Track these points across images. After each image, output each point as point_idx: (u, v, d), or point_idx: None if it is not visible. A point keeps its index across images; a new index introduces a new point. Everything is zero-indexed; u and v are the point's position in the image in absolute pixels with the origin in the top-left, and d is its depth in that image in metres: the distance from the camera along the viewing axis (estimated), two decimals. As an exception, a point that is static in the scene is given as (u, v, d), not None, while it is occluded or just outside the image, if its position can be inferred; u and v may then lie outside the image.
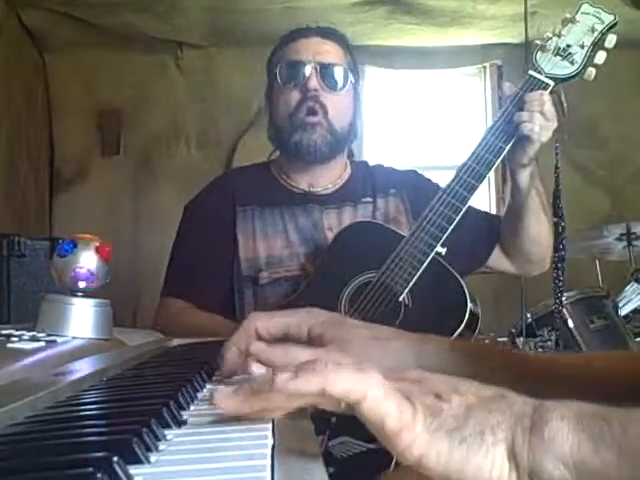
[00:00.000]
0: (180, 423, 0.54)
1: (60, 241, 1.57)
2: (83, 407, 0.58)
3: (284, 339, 0.79)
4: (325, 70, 1.72)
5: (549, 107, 1.53)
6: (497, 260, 1.83)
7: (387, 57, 4.16)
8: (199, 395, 0.65)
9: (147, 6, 3.50)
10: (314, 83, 1.71)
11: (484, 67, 4.31)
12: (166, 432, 0.49)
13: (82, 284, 1.01)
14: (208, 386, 0.74)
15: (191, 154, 4.10)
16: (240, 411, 0.53)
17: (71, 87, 4.06)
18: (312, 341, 0.77)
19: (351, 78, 1.78)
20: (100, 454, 0.38)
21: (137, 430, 0.44)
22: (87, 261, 1.01)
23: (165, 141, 4.10)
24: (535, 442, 0.47)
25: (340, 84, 1.74)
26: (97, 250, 1.02)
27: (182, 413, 0.56)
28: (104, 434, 0.45)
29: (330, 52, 1.76)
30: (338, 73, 1.74)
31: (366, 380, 0.48)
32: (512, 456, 0.47)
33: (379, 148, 4.23)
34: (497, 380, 0.52)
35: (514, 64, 3.77)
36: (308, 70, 1.71)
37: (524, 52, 2.85)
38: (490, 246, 1.81)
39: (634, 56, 3.96)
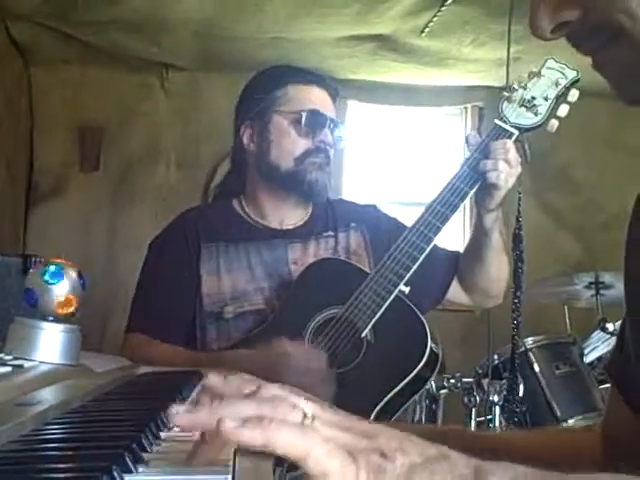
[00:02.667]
0: (142, 464, 0.54)
1: (33, 260, 1.57)
2: (45, 445, 0.58)
3: None
4: (334, 128, 1.80)
5: (513, 154, 1.60)
6: (454, 294, 1.88)
7: (370, 92, 4.21)
8: (162, 435, 0.66)
9: (137, 27, 3.52)
10: (330, 140, 1.78)
11: (466, 108, 4.38)
12: (127, 477, 0.50)
13: (66, 310, 1.01)
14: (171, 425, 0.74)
15: (170, 175, 4.11)
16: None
17: (54, 101, 4.06)
18: None
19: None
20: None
21: (98, 477, 0.44)
22: (61, 288, 1.02)
23: (145, 161, 4.11)
24: None
25: (339, 144, 1.84)
26: (73, 277, 1.03)
27: (144, 455, 0.56)
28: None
29: (333, 110, 1.83)
30: (340, 132, 1.83)
31: (309, 438, 0.49)
32: None
33: (359, 182, 4.27)
34: None
35: (495, 106, 3.81)
36: (326, 124, 1.77)
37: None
38: (449, 281, 1.86)
39: (608, 105, 4.04)
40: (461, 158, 4.38)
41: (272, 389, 0.58)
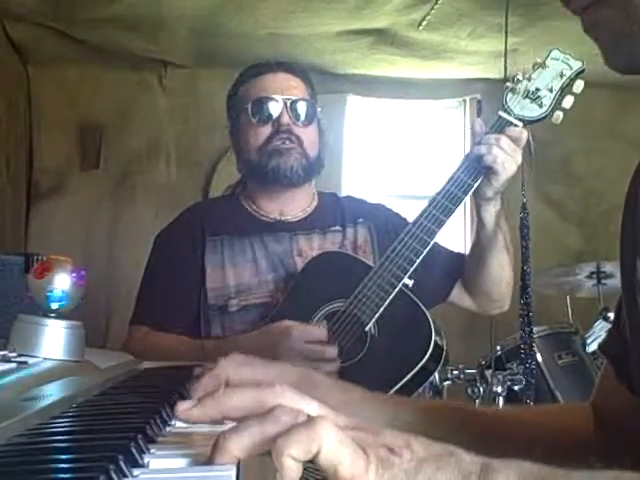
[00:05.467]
0: (149, 455, 0.55)
1: (35, 258, 1.58)
2: (51, 438, 0.59)
3: None
4: (295, 105, 1.79)
5: (505, 140, 1.57)
6: (458, 296, 1.86)
7: (369, 86, 4.20)
8: (168, 427, 0.66)
9: (133, 25, 3.52)
10: (286, 119, 1.78)
11: (464, 100, 4.38)
12: (133, 468, 0.50)
13: (55, 306, 1.01)
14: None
15: (170, 173, 4.11)
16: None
17: (54, 100, 4.06)
18: None
19: (317, 111, 1.84)
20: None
21: (105, 467, 0.45)
22: (61, 283, 1.02)
23: (145, 158, 4.11)
24: None
25: (309, 118, 1.82)
26: (72, 273, 1.03)
27: (150, 446, 0.57)
28: (72, 470, 0.46)
29: (297, 87, 1.83)
30: (306, 108, 1.81)
31: (319, 431, 0.48)
32: None
33: (359, 176, 4.27)
34: (466, 446, 0.53)
35: (493, 99, 3.81)
36: (279, 106, 1.78)
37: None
38: (452, 282, 1.85)
39: (608, 95, 4.05)
40: (460, 150, 4.39)
41: (279, 389, 0.58)
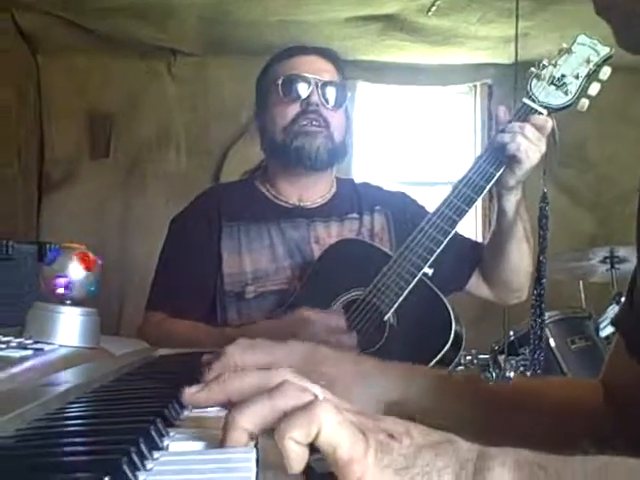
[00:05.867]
0: (167, 438, 0.55)
1: (48, 247, 1.59)
2: (71, 422, 0.59)
3: None
4: (325, 87, 1.76)
5: (529, 128, 1.53)
6: (475, 285, 1.84)
7: (379, 72, 4.19)
8: (185, 412, 0.67)
9: (142, 13, 3.52)
10: (316, 98, 1.75)
11: (475, 86, 4.36)
12: (153, 451, 0.50)
13: (67, 293, 1.02)
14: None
15: (181, 161, 4.11)
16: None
17: (63, 90, 4.06)
18: None
19: (346, 97, 1.82)
20: (90, 474, 0.40)
21: (126, 450, 0.45)
22: (74, 271, 1.02)
23: (155, 147, 4.11)
24: None
25: (338, 102, 1.79)
26: (84, 260, 1.03)
27: (169, 430, 0.57)
28: (93, 452, 0.46)
29: (328, 71, 1.80)
30: (337, 92, 1.78)
31: (319, 412, 0.49)
32: None
33: (368, 163, 4.26)
34: (478, 415, 0.54)
35: (504, 84, 3.81)
36: (310, 85, 1.75)
37: (514, 72, 2.89)
38: (470, 271, 1.83)
39: (621, 79, 4.00)
40: (471, 136, 4.38)
41: (283, 372, 0.59)
